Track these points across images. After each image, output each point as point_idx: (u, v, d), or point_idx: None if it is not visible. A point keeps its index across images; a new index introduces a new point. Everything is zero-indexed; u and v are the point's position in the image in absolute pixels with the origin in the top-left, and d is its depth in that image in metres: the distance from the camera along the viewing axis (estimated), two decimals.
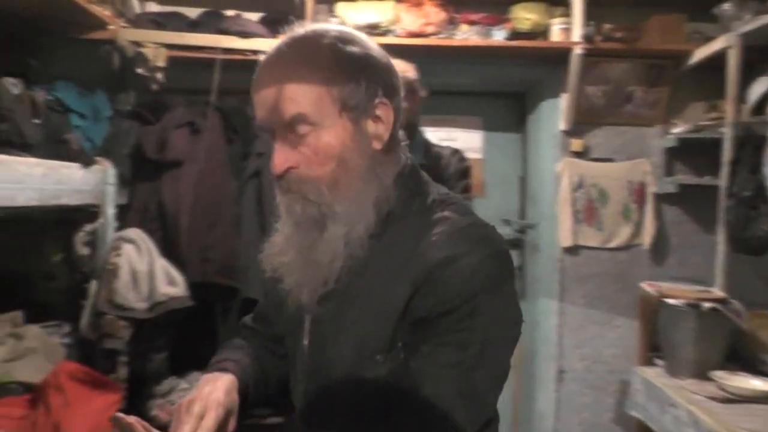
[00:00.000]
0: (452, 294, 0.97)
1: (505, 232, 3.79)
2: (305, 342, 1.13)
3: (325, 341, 1.09)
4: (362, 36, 1.07)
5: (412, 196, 1.09)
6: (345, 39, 1.03)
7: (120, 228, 2.63)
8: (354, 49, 1.03)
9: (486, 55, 3.34)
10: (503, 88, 3.79)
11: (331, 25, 1.07)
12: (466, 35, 3.20)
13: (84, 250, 2.51)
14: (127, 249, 2.49)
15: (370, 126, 1.04)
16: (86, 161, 2.39)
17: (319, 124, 1.01)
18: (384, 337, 1.02)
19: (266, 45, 2.77)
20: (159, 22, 2.93)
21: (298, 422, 1.17)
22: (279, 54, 1.03)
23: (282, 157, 1.03)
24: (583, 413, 3.51)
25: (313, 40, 1.03)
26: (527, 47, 3.21)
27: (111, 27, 2.73)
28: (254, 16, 3.17)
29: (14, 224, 2.31)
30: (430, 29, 3.18)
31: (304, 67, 1.00)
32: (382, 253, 1.05)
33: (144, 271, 2.47)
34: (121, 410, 2.09)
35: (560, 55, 3.24)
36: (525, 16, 3.21)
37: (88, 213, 2.50)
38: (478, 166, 3.77)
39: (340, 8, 3.18)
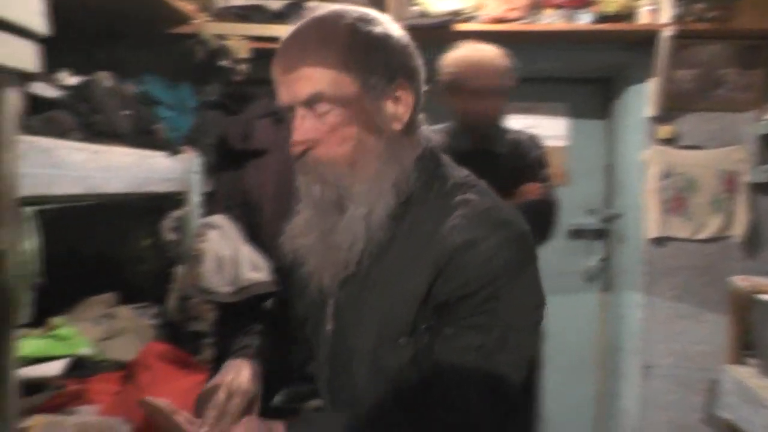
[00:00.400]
0: (473, 277, 0.98)
1: (590, 222, 3.71)
2: (328, 327, 1.14)
3: (348, 326, 1.11)
4: (383, 18, 1.08)
5: (432, 179, 1.09)
6: (364, 20, 1.05)
7: (205, 215, 2.72)
8: (373, 29, 1.04)
9: (571, 40, 3.27)
10: (588, 74, 3.70)
11: (353, 7, 1.08)
12: (551, 19, 3.15)
13: (171, 236, 2.61)
14: (212, 235, 2.58)
15: (390, 107, 1.06)
16: (173, 150, 2.48)
17: (337, 103, 1.02)
18: (406, 321, 1.03)
19: None
20: (242, 14, 3.01)
21: (324, 406, 1.20)
22: (299, 34, 1.05)
23: (301, 136, 1.05)
24: (670, 411, 3.40)
25: (333, 20, 1.05)
26: (613, 30, 3.13)
27: (195, 21, 2.82)
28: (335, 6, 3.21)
29: (107, 211, 2.43)
30: (513, 14, 3.15)
31: (323, 47, 1.02)
32: (404, 237, 1.06)
33: (228, 257, 2.55)
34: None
35: (648, 38, 3.15)
36: None
37: (174, 200, 2.60)
38: (562, 154, 3.71)
39: None
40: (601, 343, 3.76)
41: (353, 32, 1.04)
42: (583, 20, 3.15)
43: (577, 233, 3.76)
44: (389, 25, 1.08)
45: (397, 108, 1.06)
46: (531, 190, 2.49)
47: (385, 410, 1.06)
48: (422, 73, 1.11)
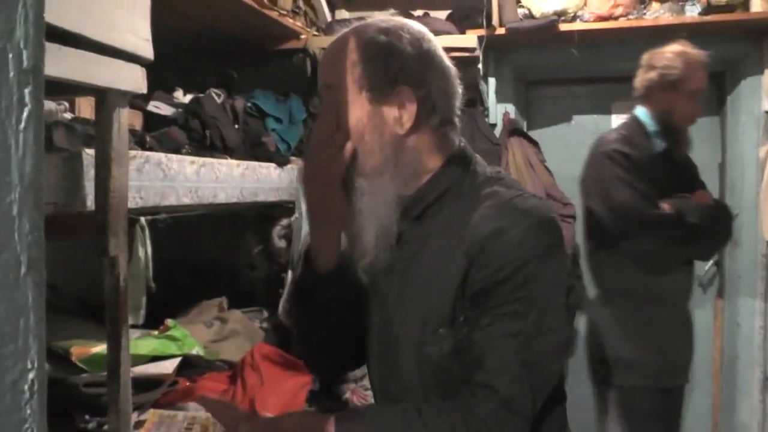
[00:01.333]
0: (503, 263, 1.03)
1: None
2: (375, 319, 1.21)
3: (391, 318, 1.16)
4: (410, 30, 1.15)
5: (464, 175, 1.15)
6: (381, 29, 1.14)
7: None
8: (380, 38, 1.12)
9: (679, 34, 3.15)
10: None
11: (393, 18, 1.19)
12: (657, 14, 3.05)
13: (281, 243, 2.73)
14: None
15: (392, 111, 1.12)
16: (281, 161, 2.60)
17: (342, 97, 1.13)
18: (446, 311, 1.08)
19: (453, 42, 2.85)
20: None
21: (374, 396, 1.24)
22: (338, 36, 1.18)
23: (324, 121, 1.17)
24: None
25: (362, 27, 1.16)
26: (725, 21, 2.99)
27: (303, 36, 2.94)
28: (442, 14, 3.26)
29: (220, 220, 2.58)
30: (618, 11, 3.08)
31: (344, 47, 1.14)
32: (439, 230, 1.12)
33: None
34: (315, 393, 2.27)
35: (764, 28, 2.99)
36: None
37: (284, 209, 2.71)
38: None
39: None
40: (716, 353, 3.58)
41: (366, 37, 1.13)
42: (692, 13, 3.03)
43: None
44: (408, 36, 1.14)
45: (400, 113, 1.12)
46: (704, 195, 2.55)
47: (429, 400, 1.11)
48: (441, 84, 1.15)
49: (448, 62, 1.18)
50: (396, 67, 1.11)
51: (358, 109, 1.12)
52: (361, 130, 1.13)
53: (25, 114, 0.44)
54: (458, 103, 1.19)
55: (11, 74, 0.44)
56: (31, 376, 0.44)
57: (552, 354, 1.07)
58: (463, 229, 1.08)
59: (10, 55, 0.44)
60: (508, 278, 1.03)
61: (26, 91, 0.44)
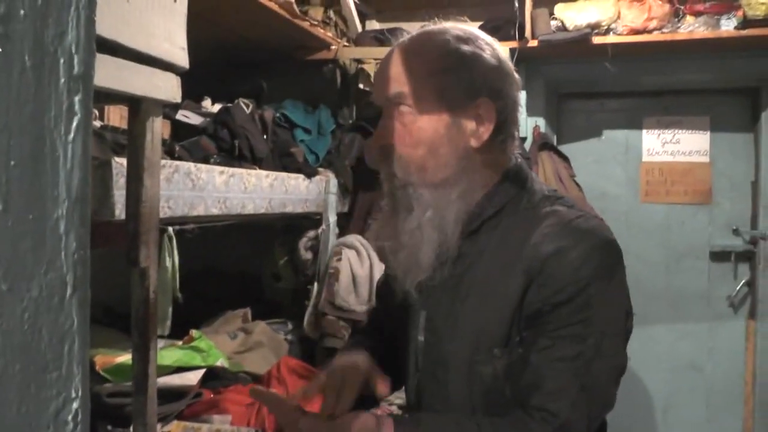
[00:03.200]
0: (565, 284, 1.00)
1: (735, 243, 3.47)
2: (420, 338, 1.16)
3: (441, 336, 1.13)
4: (486, 39, 1.12)
5: (521, 192, 1.12)
6: (460, 37, 1.10)
7: (341, 234, 2.79)
8: (464, 47, 1.09)
9: (714, 48, 3.09)
10: (734, 84, 3.45)
11: (460, 25, 1.15)
12: (692, 28, 2.98)
13: (307, 255, 2.70)
14: (348, 254, 2.64)
15: (469, 123, 1.09)
16: (310, 172, 2.58)
17: (417, 107, 1.08)
18: (501, 330, 1.05)
19: None
20: (380, 38, 3.08)
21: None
22: (401, 44, 1.13)
23: (382, 131, 1.12)
24: None
25: (433, 34, 1.12)
26: (762, 36, 2.90)
27: (333, 47, 2.92)
28: (474, 26, 3.23)
29: (246, 230, 2.56)
30: (653, 24, 3.01)
31: (415, 56, 1.10)
32: (495, 247, 1.09)
33: (364, 276, 2.60)
34: None
35: None
36: (759, 1, 2.89)
37: (311, 220, 2.69)
38: (705, 170, 3.50)
39: (559, 9, 3.10)
40: (748, 376, 3.49)
41: (444, 46, 1.09)
42: (727, 27, 2.95)
43: (721, 255, 3.51)
44: (485, 45, 1.11)
45: (478, 126, 1.09)
46: None
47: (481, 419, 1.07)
48: (513, 96, 1.12)
49: (514, 71, 1.15)
50: (478, 78, 1.08)
51: (435, 121, 1.09)
52: (437, 142, 1.09)
53: (74, 124, 0.41)
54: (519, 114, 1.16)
55: (62, 81, 0.41)
56: (74, 406, 0.40)
57: (609, 379, 1.04)
58: (521, 247, 1.05)
59: (62, 60, 0.41)
60: (569, 300, 1.00)
61: (76, 99, 0.42)
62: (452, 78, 1.08)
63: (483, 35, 1.13)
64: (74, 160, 0.41)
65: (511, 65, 1.14)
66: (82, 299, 0.42)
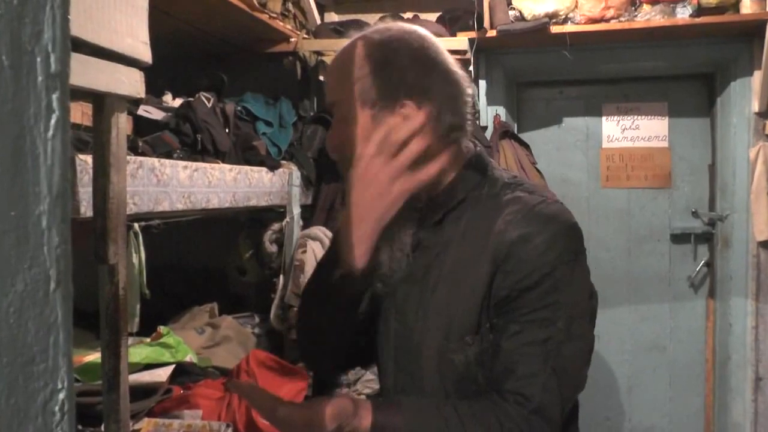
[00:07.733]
0: (531, 269, 1.02)
1: (694, 225, 3.56)
2: (392, 327, 1.18)
3: (412, 325, 1.14)
4: (411, 37, 1.12)
5: (482, 181, 1.14)
6: (377, 42, 1.11)
7: (305, 227, 2.80)
8: (379, 53, 1.10)
9: (670, 36, 3.16)
10: (690, 70, 3.54)
11: (398, 25, 1.15)
12: (648, 16, 3.04)
13: (272, 248, 2.70)
14: (313, 246, 2.65)
15: (395, 122, 1.08)
16: (273, 165, 2.57)
17: (346, 114, 1.10)
18: (471, 318, 1.07)
19: (444, 44, 2.82)
20: (339, 30, 3.08)
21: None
22: (342, 49, 1.15)
23: (331, 137, 1.16)
24: None
25: (365, 39, 1.12)
26: (716, 23, 2.96)
27: (293, 39, 2.92)
28: (432, 17, 3.25)
29: (211, 225, 2.55)
30: (610, 13, 3.06)
31: (347, 63, 1.11)
32: (460, 237, 1.11)
33: None
34: (310, 399, 2.25)
35: (754, 29, 2.98)
36: None
37: (275, 213, 2.69)
38: (665, 155, 3.58)
39: (517, 0, 3.14)
40: (708, 353, 3.60)
41: (367, 51, 1.11)
42: (683, 15, 3.01)
43: (681, 237, 3.60)
44: (410, 45, 1.11)
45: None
46: None
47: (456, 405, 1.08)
48: (452, 93, 1.12)
49: (454, 66, 1.14)
50: (403, 81, 1.08)
51: (361, 125, 1.09)
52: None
53: (53, 121, 0.42)
54: (469, 107, 1.16)
55: (39, 79, 0.41)
56: (61, 396, 0.41)
57: (580, 360, 1.07)
58: (486, 235, 1.07)
59: (38, 59, 0.41)
60: (537, 285, 1.02)
61: (54, 96, 0.42)
62: (370, 82, 1.09)
63: (413, 34, 1.13)
64: (54, 157, 0.42)
65: (443, 60, 1.13)
66: (65, 293, 0.43)
